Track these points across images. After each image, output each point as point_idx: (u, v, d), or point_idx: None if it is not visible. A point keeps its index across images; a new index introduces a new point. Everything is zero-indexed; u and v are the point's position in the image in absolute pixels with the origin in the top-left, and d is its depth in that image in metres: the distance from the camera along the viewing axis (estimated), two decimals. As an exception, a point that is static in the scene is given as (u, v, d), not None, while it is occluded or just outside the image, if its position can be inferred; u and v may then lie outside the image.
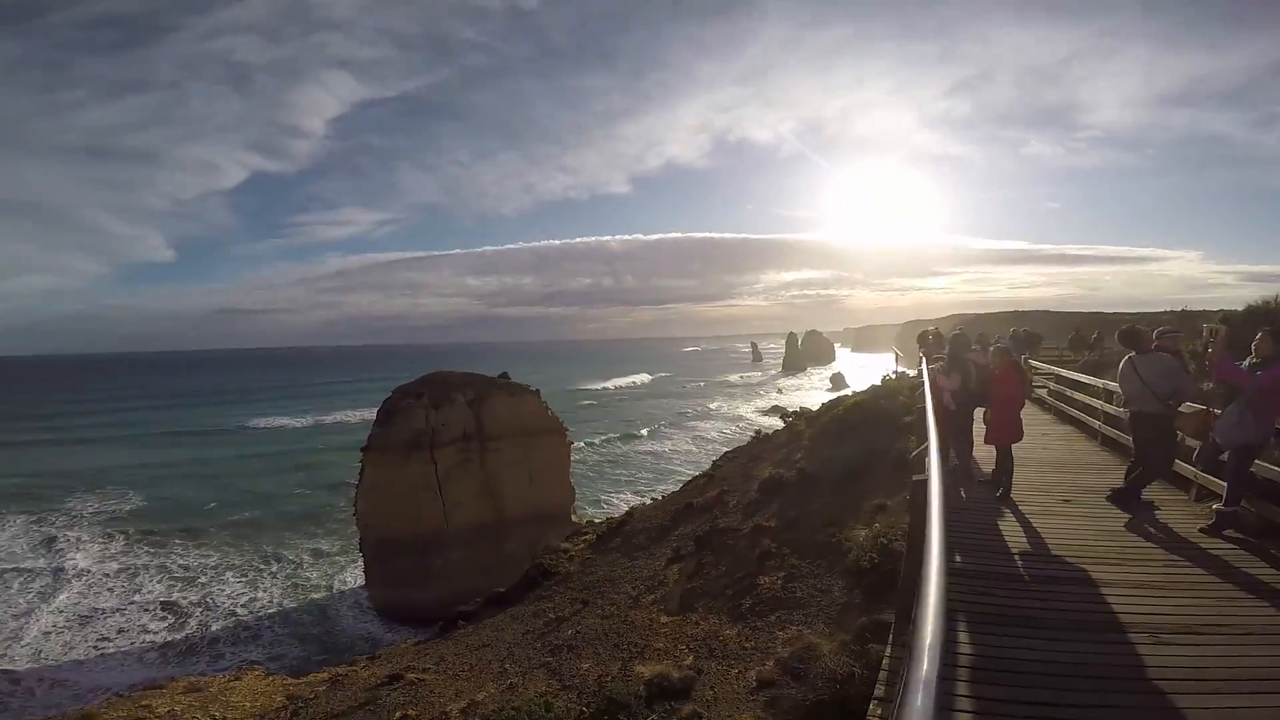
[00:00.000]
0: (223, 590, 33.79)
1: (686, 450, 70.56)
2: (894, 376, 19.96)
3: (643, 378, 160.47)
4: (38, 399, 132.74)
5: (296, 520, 46.05)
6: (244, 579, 35.38)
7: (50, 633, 28.20)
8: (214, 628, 30.05)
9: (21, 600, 31.22)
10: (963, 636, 4.15)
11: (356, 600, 33.49)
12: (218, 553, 38.90)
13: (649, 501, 20.11)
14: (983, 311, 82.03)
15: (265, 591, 34.02)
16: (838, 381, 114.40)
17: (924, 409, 7.14)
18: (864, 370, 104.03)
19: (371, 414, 38.31)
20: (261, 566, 37.15)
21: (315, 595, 34.06)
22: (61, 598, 31.68)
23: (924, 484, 4.01)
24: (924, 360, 11.45)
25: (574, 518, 37.10)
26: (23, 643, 27.09)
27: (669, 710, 6.67)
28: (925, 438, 5.62)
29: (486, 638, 10.01)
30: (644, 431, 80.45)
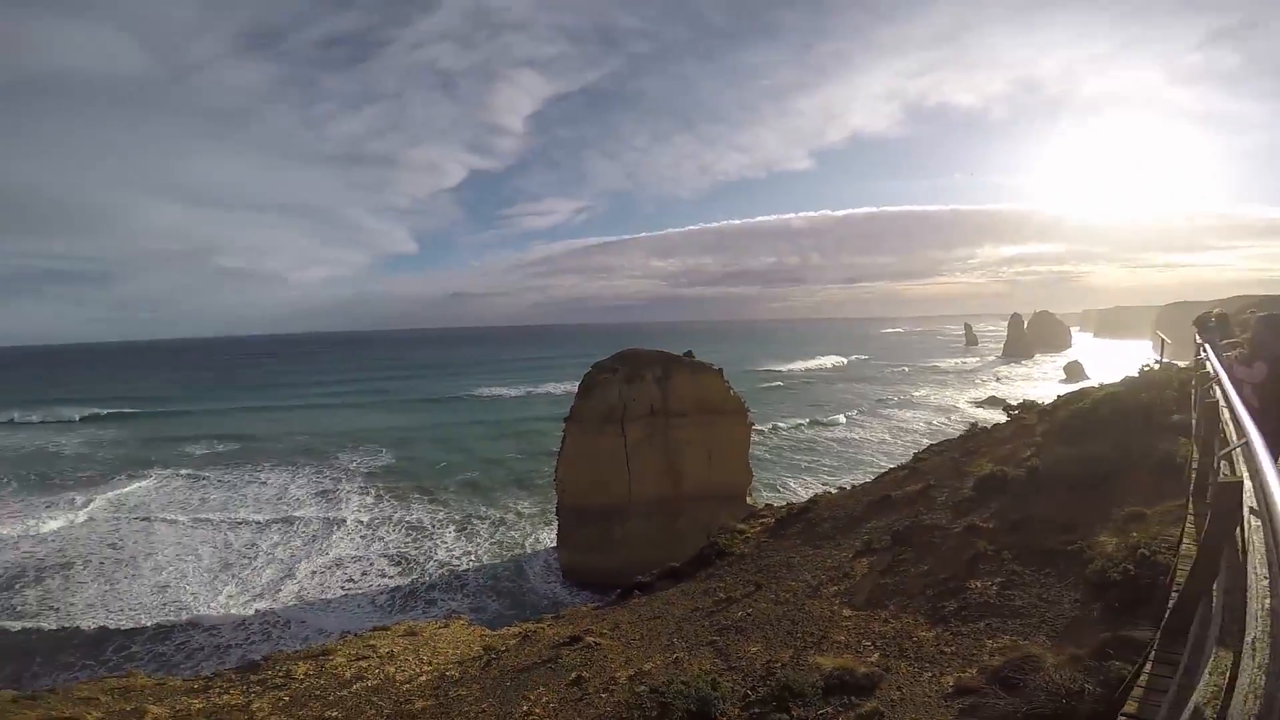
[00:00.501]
0: (443, 543, 39.45)
1: (880, 440, 65.75)
2: (1156, 366, 16.26)
3: (835, 360, 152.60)
4: (321, 369, 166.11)
5: (507, 482, 51.83)
6: (461, 533, 40.93)
7: (316, 572, 35.11)
8: (432, 576, 35.24)
9: (297, 543, 39.39)
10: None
11: (547, 561, 36.88)
12: (445, 509, 45.38)
13: (834, 490, 18.95)
14: (1277, 293, 63.73)
15: (475, 546, 39.05)
16: (1074, 371, 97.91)
17: (1220, 402, 5.55)
18: (1110, 358, 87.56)
19: (574, 387, 41.43)
20: (476, 522, 42.61)
21: (514, 552, 38.20)
22: (324, 543, 39.34)
23: (1235, 487, 3.00)
24: (1204, 348, 9.01)
25: (749, 500, 36.67)
26: (295, 579, 34.12)
27: (848, 704, 6.13)
28: (1237, 434, 4.32)
29: (658, 609, 10.14)
30: (840, 418, 76.36)
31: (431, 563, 36.60)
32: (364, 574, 35.26)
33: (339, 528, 41.98)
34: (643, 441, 37.02)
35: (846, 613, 8.45)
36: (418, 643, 11.88)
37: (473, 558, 37.32)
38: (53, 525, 41.14)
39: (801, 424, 72.84)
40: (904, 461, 18.14)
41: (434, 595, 33.03)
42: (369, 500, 47.84)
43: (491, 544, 39.26)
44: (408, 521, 43.04)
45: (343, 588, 33.68)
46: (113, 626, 29.10)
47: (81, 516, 43.01)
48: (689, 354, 40.67)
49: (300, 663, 10.73)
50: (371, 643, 11.99)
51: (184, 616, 30.00)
